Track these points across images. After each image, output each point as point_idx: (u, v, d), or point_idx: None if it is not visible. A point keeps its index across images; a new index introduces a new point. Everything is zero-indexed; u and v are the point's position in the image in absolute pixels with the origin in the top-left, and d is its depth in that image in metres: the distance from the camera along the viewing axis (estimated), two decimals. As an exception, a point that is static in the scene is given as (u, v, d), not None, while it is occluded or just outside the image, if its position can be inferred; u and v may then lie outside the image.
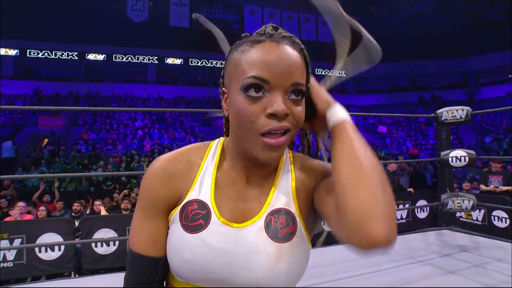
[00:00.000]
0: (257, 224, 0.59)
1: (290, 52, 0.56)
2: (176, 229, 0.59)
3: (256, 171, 0.64)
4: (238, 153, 0.62)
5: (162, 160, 0.64)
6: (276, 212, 0.61)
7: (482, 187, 5.32)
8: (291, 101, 0.56)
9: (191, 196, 0.61)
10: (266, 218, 0.60)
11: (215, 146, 0.67)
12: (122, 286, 0.64)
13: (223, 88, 0.64)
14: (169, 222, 0.62)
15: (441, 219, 3.79)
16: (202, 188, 0.61)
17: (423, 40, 19.72)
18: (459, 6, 17.66)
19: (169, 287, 0.65)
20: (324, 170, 0.65)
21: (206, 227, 0.58)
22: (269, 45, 0.56)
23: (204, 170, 0.63)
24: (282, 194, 0.63)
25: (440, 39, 19.17)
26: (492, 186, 5.13)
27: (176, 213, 0.60)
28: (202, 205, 0.60)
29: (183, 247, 0.57)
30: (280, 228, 0.59)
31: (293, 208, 0.62)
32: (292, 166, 0.67)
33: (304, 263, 0.61)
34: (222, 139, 0.69)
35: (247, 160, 0.62)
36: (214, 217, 0.59)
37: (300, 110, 0.57)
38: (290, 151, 0.71)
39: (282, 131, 0.55)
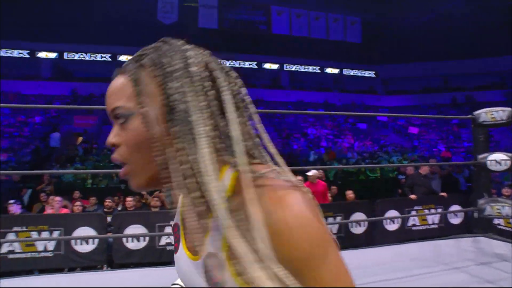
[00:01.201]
0: (199, 263, 0.55)
1: (113, 82, 0.58)
2: None
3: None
4: None
5: None
6: (211, 256, 0.53)
7: None
8: (120, 128, 0.56)
9: (177, 218, 0.66)
10: (204, 259, 0.54)
11: None
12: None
13: None
14: None
15: (477, 225, 3.60)
16: (178, 212, 0.65)
17: (456, 39, 18.85)
18: (495, 2, 16.72)
19: None
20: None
21: (177, 252, 0.62)
22: None
23: None
24: (214, 236, 0.53)
25: (475, 37, 18.24)
26: None
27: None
28: (179, 229, 0.64)
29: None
30: (213, 273, 0.53)
31: (221, 254, 0.51)
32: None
33: None
34: None
35: None
36: (181, 244, 0.62)
37: (128, 135, 0.55)
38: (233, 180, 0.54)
39: (120, 163, 0.57)
